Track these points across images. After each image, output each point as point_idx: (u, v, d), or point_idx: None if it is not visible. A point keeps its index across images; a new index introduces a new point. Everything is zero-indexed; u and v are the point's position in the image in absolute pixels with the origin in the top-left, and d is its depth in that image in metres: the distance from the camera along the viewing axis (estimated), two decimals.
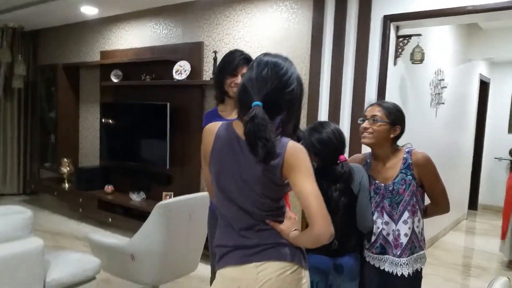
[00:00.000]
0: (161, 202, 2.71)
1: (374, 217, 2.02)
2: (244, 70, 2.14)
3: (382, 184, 2.00)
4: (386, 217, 1.99)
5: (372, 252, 2.03)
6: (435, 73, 4.62)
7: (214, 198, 1.64)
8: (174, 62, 4.60)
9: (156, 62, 4.80)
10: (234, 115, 2.22)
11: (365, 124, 2.02)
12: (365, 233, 2.03)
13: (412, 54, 3.62)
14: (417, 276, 2.00)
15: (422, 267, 2.01)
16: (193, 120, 4.59)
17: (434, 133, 4.69)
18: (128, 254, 2.71)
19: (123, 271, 2.64)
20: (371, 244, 2.03)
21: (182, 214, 2.81)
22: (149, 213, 4.44)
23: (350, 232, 2.00)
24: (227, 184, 1.52)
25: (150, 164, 4.91)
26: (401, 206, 1.96)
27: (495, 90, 7.22)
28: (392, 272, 1.97)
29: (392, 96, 3.54)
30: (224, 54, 2.26)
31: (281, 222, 1.53)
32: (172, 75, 4.57)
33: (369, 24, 3.49)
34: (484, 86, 6.83)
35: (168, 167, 4.59)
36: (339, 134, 2.01)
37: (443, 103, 4.77)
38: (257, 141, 1.39)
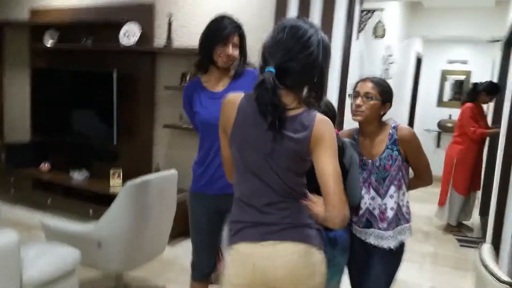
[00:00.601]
0: (130, 182, 2.49)
1: (362, 192, 2.02)
2: (235, 39, 2.01)
3: (370, 160, 2.00)
4: (372, 192, 2.01)
5: (358, 226, 2.04)
6: (386, 49, 4.72)
7: (231, 176, 1.58)
8: (121, 25, 4.20)
9: (99, 24, 4.38)
10: (220, 87, 2.08)
11: (359, 101, 1.96)
12: (354, 207, 2.02)
13: (374, 29, 3.64)
14: (400, 249, 2.04)
15: (405, 239, 2.04)
16: (143, 90, 4.29)
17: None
18: (94, 241, 2.48)
19: (87, 259, 2.38)
20: (358, 219, 2.04)
21: (153, 194, 2.63)
22: (93, 193, 4.27)
23: None
24: (251, 157, 1.46)
25: (94, 139, 4.52)
26: (387, 181, 1.97)
27: (427, 66, 7.62)
28: (377, 245, 2.00)
29: (352, 71, 3.55)
30: (211, 20, 2.06)
31: (303, 199, 1.49)
32: (119, 39, 4.20)
33: None
34: (418, 62, 7.17)
35: (115, 142, 4.26)
36: (331, 107, 1.99)
37: (390, 78, 4.91)
38: (265, 107, 1.37)
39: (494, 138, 4.59)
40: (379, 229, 1.99)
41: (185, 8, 4.05)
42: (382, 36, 3.63)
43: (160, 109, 4.30)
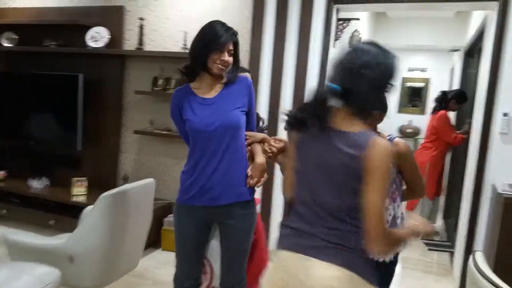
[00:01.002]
0: (106, 193, 2.37)
1: None
2: (231, 46, 1.96)
3: None
4: None
5: None
6: None
7: (288, 190, 1.56)
8: (88, 28, 4.04)
9: (64, 26, 4.18)
10: (212, 93, 2.01)
11: None
12: None
13: (351, 38, 3.68)
14: (394, 260, 2.03)
15: (400, 251, 2.01)
16: (111, 94, 4.13)
17: None
18: (65, 256, 2.33)
19: None
20: None
21: (130, 205, 2.51)
22: (54, 202, 4.04)
23: None
24: (310, 171, 1.46)
25: (56, 144, 4.30)
26: None
27: None
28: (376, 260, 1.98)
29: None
30: (203, 26, 1.99)
31: (356, 224, 1.38)
32: (85, 43, 4.02)
33: (312, 4, 3.44)
34: None
35: (79, 148, 4.06)
36: None
37: None
38: (311, 116, 1.42)
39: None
40: None
41: (157, 11, 3.94)
42: None
43: (129, 114, 4.15)
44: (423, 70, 7.88)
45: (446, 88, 7.04)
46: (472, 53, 5.16)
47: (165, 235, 3.75)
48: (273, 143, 2.05)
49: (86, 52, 4.04)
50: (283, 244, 1.48)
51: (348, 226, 1.39)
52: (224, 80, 2.04)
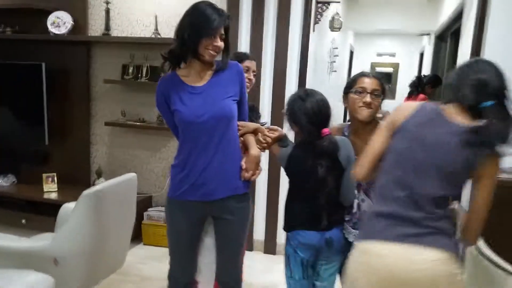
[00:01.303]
0: (88, 190, 2.18)
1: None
2: (222, 31, 1.82)
3: None
4: (363, 195, 1.94)
5: (350, 226, 1.97)
6: (331, 42, 4.72)
7: (368, 171, 1.57)
8: (48, 12, 3.74)
9: (21, 11, 3.84)
10: (202, 81, 1.87)
11: (368, 98, 1.86)
12: (347, 206, 1.96)
13: (331, 22, 3.58)
14: None
15: None
16: (77, 84, 3.86)
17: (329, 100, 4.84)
18: (50, 259, 2.15)
19: None
20: (350, 217, 1.97)
21: (114, 202, 2.34)
22: (25, 200, 3.78)
23: (337, 205, 1.92)
24: (420, 155, 1.46)
25: (21, 139, 3.99)
26: None
27: (357, 59, 7.85)
28: None
29: (309, 64, 3.48)
30: (191, 8, 1.82)
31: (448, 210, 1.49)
32: (47, 29, 3.73)
33: None
34: (351, 55, 7.36)
35: (46, 142, 3.80)
36: (324, 106, 1.88)
37: (335, 71, 4.94)
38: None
39: None
40: None
41: None
42: (339, 28, 3.60)
43: (98, 105, 3.91)
44: (392, 55, 7.95)
45: (414, 72, 7.13)
46: (445, 37, 5.20)
47: (146, 229, 3.59)
48: (267, 133, 1.99)
49: (48, 39, 3.75)
50: (379, 236, 1.46)
51: (444, 212, 1.46)
52: (214, 67, 1.89)
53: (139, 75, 3.62)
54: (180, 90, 1.86)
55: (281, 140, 1.99)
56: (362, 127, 1.92)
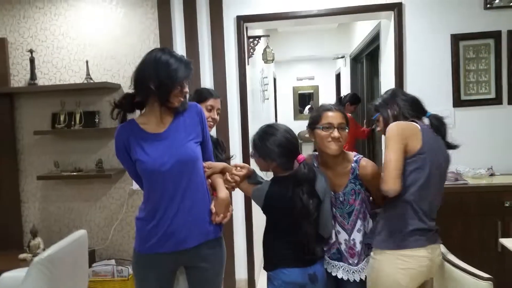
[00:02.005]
0: (40, 256, 2.01)
1: None
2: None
3: (332, 193, 1.95)
4: (337, 226, 1.95)
5: (329, 257, 1.98)
6: (260, 72, 4.87)
7: (399, 185, 1.75)
8: None
9: None
10: (163, 126, 1.82)
11: (336, 133, 1.89)
12: (326, 237, 1.97)
13: (264, 54, 3.71)
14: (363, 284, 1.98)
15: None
16: (1, 138, 3.57)
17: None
18: None
19: None
20: (329, 248, 1.98)
21: (67, 265, 2.17)
22: None
23: (318, 237, 1.92)
24: (435, 171, 1.81)
25: None
26: (353, 216, 1.93)
27: (280, 85, 8.15)
28: (348, 279, 1.94)
29: (248, 95, 3.56)
30: (153, 60, 1.77)
31: None
32: None
33: (222, 25, 3.41)
34: (274, 82, 7.62)
35: None
36: (293, 133, 1.92)
37: (267, 99, 5.08)
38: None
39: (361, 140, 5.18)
40: (350, 264, 1.94)
41: (47, 42, 3.53)
42: (272, 60, 3.73)
43: (27, 158, 3.64)
44: (311, 78, 8.37)
45: (333, 92, 7.56)
46: (360, 58, 5.60)
47: (92, 287, 3.34)
48: (235, 171, 1.96)
49: None
50: (418, 244, 1.79)
51: None
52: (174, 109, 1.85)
53: (72, 123, 3.45)
54: (141, 139, 1.80)
55: (250, 177, 1.97)
56: (331, 159, 1.95)
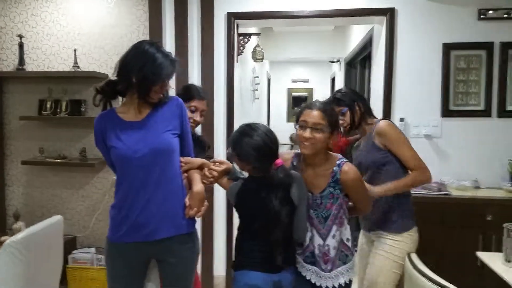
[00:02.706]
0: (12, 239, 2.01)
1: None
2: None
3: (310, 194, 1.86)
4: (313, 231, 1.87)
5: (303, 260, 1.90)
6: (252, 71, 4.87)
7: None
8: None
9: None
10: (141, 115, 1.82)
11: (307, 133, 1.79)
12: (299, 242, 1.90)
13: (254, 53, 3.71)
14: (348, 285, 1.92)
15: (352, 278, 1.91)
16: None
17: None
18: None
19: None
20: (302, 251, 1.90)
21: (40, 249, 2.17)
22: None
23: (289, 243, 1.84)
24: None
25: None
26: (329, 221, 1.84)
27: (274, 86, 8.15)
28: (320, 285, 1.86)
29: (236, 94, 3.57)
30: (139, 52, 1.76)
31: None
32: None
33: (213, 20, 3.41)
34: (268, 82, 7.63)
35: None
36: (272, 136, 1.79)
37: (257, 98, 5.09)
38: None
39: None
40: (322, 270, 1.85)
41: (37, 28, 3.53)
42: (262, 59, 3.73)
43: (13, 143, 3.63)
44: (305, 81, 8.38)
45: (327, 96, 7.56)
46: (354, 63, 5.61)
47: (71, 273, 3.35)
48: (213, 167, 1.92)
49: None
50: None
51: None
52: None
53: (58, 110, 3.45)
54: (117, 127, 1.80)
55: (229, 172, 1.93)
56: (310, 159, 1.87)
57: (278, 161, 1.80)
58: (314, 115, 1.81)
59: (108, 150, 1.82)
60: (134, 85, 1.75)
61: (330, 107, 1.90)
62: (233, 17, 3.40)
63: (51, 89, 3.47)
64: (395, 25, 3.26)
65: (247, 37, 3.57)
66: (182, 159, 1.91)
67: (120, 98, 1.96)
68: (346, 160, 1.86)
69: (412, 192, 2.87)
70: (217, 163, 1.93)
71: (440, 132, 3.24)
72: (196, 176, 1.91)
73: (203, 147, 2.40)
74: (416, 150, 3.14)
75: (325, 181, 1.83)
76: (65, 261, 3.36)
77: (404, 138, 2.15)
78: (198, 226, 3.38)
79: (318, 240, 1.86)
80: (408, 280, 1.90)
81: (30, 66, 3.54)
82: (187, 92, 2.29)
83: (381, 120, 2.19)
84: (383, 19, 3.31)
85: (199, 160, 1.97)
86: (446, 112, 3.25)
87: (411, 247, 2.17)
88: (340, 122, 2.07)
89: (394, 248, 2.15)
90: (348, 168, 1.83)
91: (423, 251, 2.73)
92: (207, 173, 1.91)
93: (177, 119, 1.88)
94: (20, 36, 3.46)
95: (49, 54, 3.54)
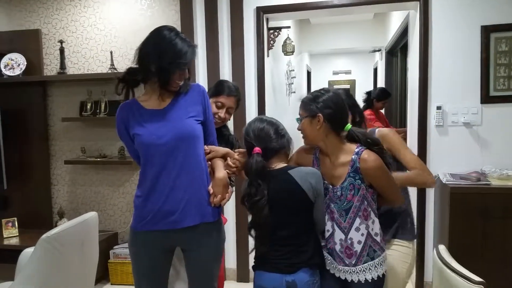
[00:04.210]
0: (46, 234, 2.11)
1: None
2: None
3: (330, 186, 1.81)
4: (334, 226, 1.81)
5: (327, 253, 1.86)
6: (287, 65, 4.84)
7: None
8: (2, 55, 3.69)
9: None
10: (162, 104, 1.82)
11: (298, 126, 1.87)
12: (319, 234, 1.88)
13: (284, 46, 3.68)
14: (379, 282, 1.80)
15: (385, 271, 1.82)
16: (34, 124, 3.80)
17: (289, 120, 4.92)
18: None
19: None
20: (324, 245, 1.87)
21: (74, 244, 2.27)
22: None
23: (304, 242, 1.78)
24: None
25: None
26: (351, 213, 1.76)
27: (315, 78, 8.05)
28: (346, 279, 1.80)
29: (267, 88, 3.56)
30: (157, 37, 1.77)
31: None
32: (0, 71, 3.67)
33: (242, 16, 3.42)
34: (308, 75, 7.54)
35: (5, 186, 3.69)
36: (262, 130, 1.80)
37: (294, 92, 5.05)
38: None
39: None
40: (346, 265, 1.79)
41: (77, 33, 3.70)
42: (292, 52, 3.69)
43: (57, 144, 3.84)
44: (347, 72, 8.20)
45: (370, 87, 7.37)
46: (394, 52, 5.43)
47: (113, 268, 3.50)
48: (237, 157, 1.91)
49: (1, 81, 3.68)
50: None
51: None
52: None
53: (98, 111, 3.60)
54: (139, 115, 1.80)
55: None
56: (321, 148, 1.86)
57: (255, 149, 1.77)
58: (299, 109, 1.87)
59: (132, 139, 1.82)
60: (153, 73, 1.76)
61: (309, 94, 1.87)
62: (262, 12, 3.39)
63: (91, 90, 3.63)
64: (429, 9, 3.12)
65: (278, 30, 3.55)
66: (206, 147, 1.90)
67: (142, 86, 1.94)
68: (364, 147, 1.76)
69: (449, 183, 2.78)
70: (241, 154, 1.91)
71: (480, 120, 3.06)
72: (218, 164, 1.90)
73: (233, 146, 2.30)
74: (455, 139, 3.09)
75: (344, 171, 1.76)
76: (107, 256, 3.52)
77: (404, 144, 2.04)
78: (232, 213, 3.40)
79: (339, 235, 1.79)
80: (435, 272, 1.83)
81: (71, 69, 3.72)
82: (217, 87, 2.28)
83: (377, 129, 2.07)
84: (417, 4, 3.17)
85: (223, 149, 1.96)
86: (487, 98, 3.07)
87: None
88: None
89: (404, 263, 2.04)
90: (368, 156, 1.72)
91: (461, 244, 2.65)
92: (230, 162, 1.90)
93: (199, 105, 1.87)
94: (61, 41, 3.63)
95: (88, 57, 3.70)
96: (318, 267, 1.82)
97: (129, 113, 1.82)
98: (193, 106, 1.85)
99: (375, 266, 1.78)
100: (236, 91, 2.29)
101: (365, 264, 1.77)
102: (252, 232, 1.83)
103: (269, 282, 1.75)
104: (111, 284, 3.50)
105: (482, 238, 2.68)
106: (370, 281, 1.77)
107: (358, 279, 1.78)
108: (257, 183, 1.74)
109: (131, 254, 1.90)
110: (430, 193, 3.13)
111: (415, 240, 2.04)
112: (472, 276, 1.51)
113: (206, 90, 2.00)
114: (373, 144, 1.76)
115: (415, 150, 3.18)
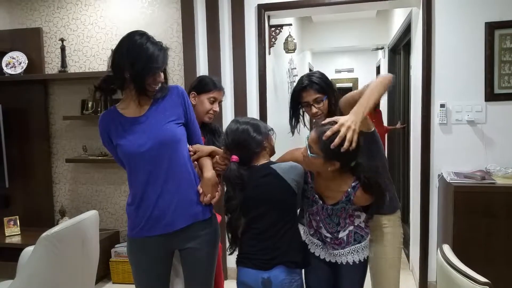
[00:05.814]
0: (46, 233, 2.10)
1: (307, 222, 1.90)
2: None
3: (320, 202, 1.82)
4: (323, 230, 1.85)
5: (311, 235, 1.89)
6: (289, 63, 4.81)
7: None
8: (3, 54, 3.69)
9: None
10: (141, 111, 1.80)
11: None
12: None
13: (285, 44, 3.66)
14: (364, 263, 1.90)
15: (367, 255, 1.91)
16: (36, 123, 3.79)
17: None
18: None
19: None
20: (309, 230, 1.91)
21: (75, 243, 2.26)
22: None
23: (280, 238, 1.76)
24: None
25: None
26: (339, 227, 1.83)
27: None
28: (336, 261, 1.85)
29: (269, 86, 3.54)
30: (128, 44, 1.74)
31: None
32: (2, 70, 3.66)
33: (243, 13, 3.40)
34: None
35: (7, 185, 3.68)
36: (239, 133, 1.79)
37: None
38: None
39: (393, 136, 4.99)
40: (335, 249, 1.84)
41: (78, 31, 3.68)
42: (294, 50, 3.67)
43: (58, 142, 3.83)
44: (350, 70, 8.16)
45: None
46: (397, 49, 5.39)
47: (114, 267, 3.48)
48: (224, 155, 1.89)
49: (3, 80, 3.67)
50: None
51: None
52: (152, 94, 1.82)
53: (99, 109, 3.58)
54: (120, 124, 1.80)
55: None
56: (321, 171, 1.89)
57: (233, 157, 1.79)
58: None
59: (115, 148, 1.83)
60: (128, 80, 1.74)
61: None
62: (263, 9, 3.37)
63: (92, 89, 3.60)
64: (432, 6, 3.08)
65: (279, 28, 3.52)
66: (190, 147, 1.90)
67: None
68: (361, 184, 1.76)
69: (453, 181, 2.74)
70: (228, 151, 1.88)
71: (484, 118, 3.03)
72: (206, 162, 1.90)
73: (220, 135, 2.33)
74: (459, 137, 3.06)
75: (338, 196, 1.78)
76: (109, 255, 3.51)
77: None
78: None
79: (329, 235, 1.84)
80: (439, 272, 1.81)
81: (73, 68, 3.71)
82: (204, 85, 2.30)
83: None
84: (420, 1, 3.15)
85: (208, 148, 1.96)
86: (491, 96, 3.04)
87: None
88: (314, 111, 1.99)
89: (387, 233, 2.03)
90: (361, 195, 1.75)
91: (466, 243, 2.62)
92: (219, 160, 1.89)
93: (179, 107, 1.86)
94: (62, 40, 3.62)
95: (89, 55, 3.69)
96: (296, 265, 1.79)
97: (110, 123, 1.82)
98: (172, 109, 1.84)
99: (362, 248, 1.86)
100: (220, 84, 2.38)
101: (353, 247, 1.84)
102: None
103: (248, 278, 1.77)
104: (113, 283, 3.50)
105: (486, 238, 2.65)
106: (357, 263, 1.84)
107: (347, 260, 1.84)
108: (233, 191, 1.77)
109: (131, 262, 1.91)
110: (434, 192, 3.11)
111: (399, 209, 2.07)
112: (477, 277, 1.48)
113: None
114: (369, 186, 1.73)
115: (418, 148, 3.17)
